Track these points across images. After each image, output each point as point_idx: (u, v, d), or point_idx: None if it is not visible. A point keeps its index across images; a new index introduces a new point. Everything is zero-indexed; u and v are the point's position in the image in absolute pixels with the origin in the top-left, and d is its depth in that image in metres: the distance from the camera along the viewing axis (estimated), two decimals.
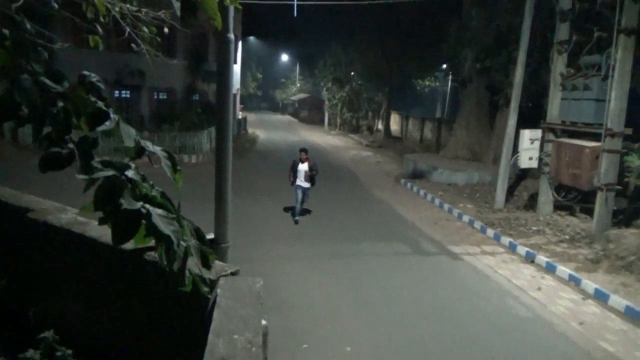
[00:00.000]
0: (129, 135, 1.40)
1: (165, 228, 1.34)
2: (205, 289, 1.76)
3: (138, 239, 1.53)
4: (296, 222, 11.05)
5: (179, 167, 1.55)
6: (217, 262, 3.74)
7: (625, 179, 10.77)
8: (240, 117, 32.20)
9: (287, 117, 54.30)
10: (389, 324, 6.60)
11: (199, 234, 1.54)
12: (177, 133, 19.17)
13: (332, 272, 8.26)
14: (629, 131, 10.33)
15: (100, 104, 1.46)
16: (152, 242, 1.59)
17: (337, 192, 14.80)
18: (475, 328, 6.64)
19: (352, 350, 5.87)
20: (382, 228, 11.28)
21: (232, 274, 3.34)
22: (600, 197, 10.36)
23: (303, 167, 11.15)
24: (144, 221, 1.34)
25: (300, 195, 11.12)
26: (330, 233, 10.63)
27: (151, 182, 1.55)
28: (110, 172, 1.35)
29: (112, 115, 1.44)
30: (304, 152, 11.35)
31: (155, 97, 23.52)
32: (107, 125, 1.40)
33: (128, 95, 22.50)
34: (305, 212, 11.83)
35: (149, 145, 1.47)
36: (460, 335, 6.41)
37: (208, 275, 2.20)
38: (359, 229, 11.02)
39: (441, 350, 6.00)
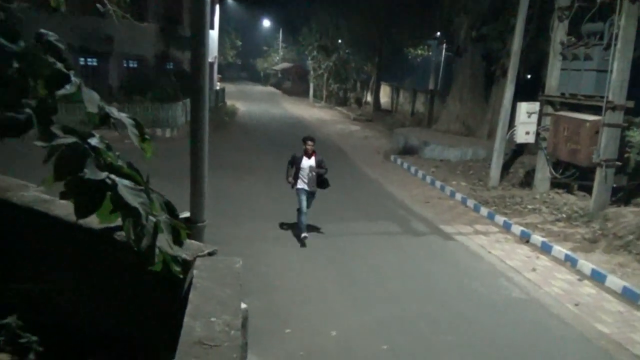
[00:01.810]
0: (92, 100, 1.36)
1: (133, 200, 1.31)
2: (177, 269, 1.75)
3: (104, 215, 1.50)
4: (303, 243, 8.64)
5: (147, 136, 1.52)
6: (193, 242, 3.74)
7: (626, 155, 10.92)
8: (218, 87, 31.78)
9: (269, 88, 53.77)
10: (378, 307, 6.70)
11: (169, 208, 1.52)
12: (150, 104, 18.88)
13: (317, 253, 8.32)
14: (630, 104, 10.45)
15: (59, 65, 1.41)
16: (120, 221, 1.57)
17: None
18: (467, 310, 6.77)
19: (337, 333, 5.96)
20: (370, 207, 11.35)
21: (210, 254, 3.34)
22: (599, 173, 10.53)
23: (308, 163, 8.71)
24: (109, 193, 1.31)
25: (304, 202, 8.73)
26: (316, 212, 10.66)
27: (117, 153, 1.53)
28: (71, 140, 1.32)
29: (73, 79, 1.40)
30: (311, 142, 8.77)
31: (125, 65, 23.06)
32: (68, 89, 1.36)
33: (95, 63, 22.02)
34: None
35: (114, 112, 1.43)
36: (452, 317, 6.54)
37: (181, 253, 2.19)
38: (346, 208, 11.07)
39: (432, 332, 6.12)
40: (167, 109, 18.99)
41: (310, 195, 8.83)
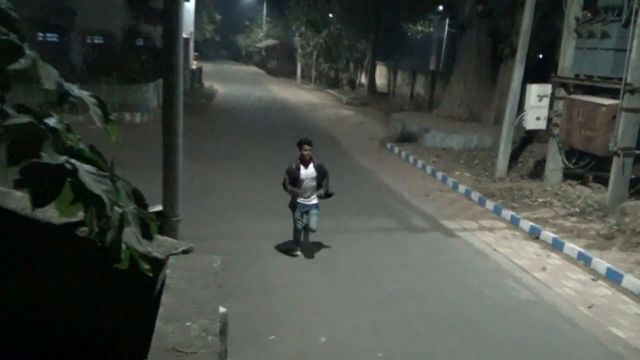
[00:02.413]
0: (50, 76, 1.34)
1: (95, 187, 1.30)
2: (146, 266, 1.74)
3: (64, 206, 1.48)
4: (295, 254, 8.25)
5: (112, 117, 1.50)
6: (166, 238, 3.73)
7: None
8: (194, 67, 31.59)
9: (252, 68, 53.58)
10: (373, 310, 6.73)
11: (137, 197, 1.50)
12: (117, 86, 18.69)
13: (307, 252, 8.33)
14: None
15: (12, 36, 1.39)
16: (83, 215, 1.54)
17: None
18: (471, 313, 6.83)
19: (327, 340, 5.99)
20: (365, 200, 11.38)
21: (184, 252, 3.33)
22: (616, 163, 10.63)
23: (307, 172, 8.03)
24: (69, 180, 1.30)
25: (300, 222, 8.12)
26: None
27: (79, 136, 1.51)
28: (26, 119, 1.30)
29: (27, 52, 1.38)
30: (307, 146, 8.04)
31: (89, 41, 22.82)
32: (22, 63, 1.34)
33: (55, 39, 21.76)
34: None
35: (74, 89, 1.41)
36: (454, 321, 6.59)
37: (152, 250, 2.18)
38: (339, 202, 11.04)
39: (432, 337, 6.18)
40: (136, 90, 18.83)
41: (312, 208, 8.11)
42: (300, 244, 8.28)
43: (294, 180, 7.98)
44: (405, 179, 13.50)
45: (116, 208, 1.34)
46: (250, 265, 7.75)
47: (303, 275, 7.59)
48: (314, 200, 8.13)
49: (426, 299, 7.17)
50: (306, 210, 8.10)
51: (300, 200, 8.04)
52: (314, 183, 8.07)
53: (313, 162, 8.09)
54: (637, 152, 10.76)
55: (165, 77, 5.28)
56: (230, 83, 35.05)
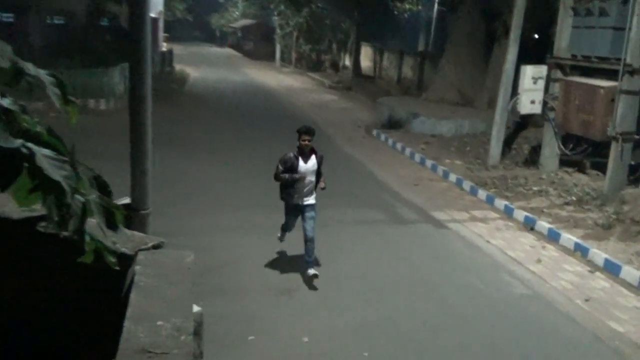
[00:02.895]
0: (2, 52, 1.32)
1: (55, 173, 1.29)
2: (112, 259, 1.73)
3: (22, 195, 1.47)
4: (315, 276, 7.18)
5: (72, 98, 1.48)
6: (135, 233, 3.71)
7: None
8: (164, 49, 31.29)
9: (227, 50, 53.23)
10: (359, 307, 6.77)
11: (100, 185, 1.49)
12: (80, 70, 18.45)
13: (288, 246, 8.32)
14: None
15: None
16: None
17: (293, 147, 14.71)
18: (463, 309, 6.91)
19: (310, 339, 6.01)
20: (350, 191, 11.39)
21: (155, 247, 3.32)
22: (614, 148, 10.76)
23: (307, 166, 7.29)
24: (26, 165, 1.29)
25: (292, 225, 7.64)
26: None
27: (36, 119, 1.49)
28: None
29: None
30: (306, 136, 7.26)
31: (49, 21, 22.46)
32: None
33: (11, 19, 21.38)
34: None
35: (30, 67, 1.39)
36: (445, 318, 6.66)
37: (118, 243, 2.18)
38: (321, 193, 11.05)
39: (422, 335, 6.23)
40: (101, 75, 18.60)
41: (308, 210, 7.34)
42: (309, 259, 7.31)
43: (290, 171, 7.21)
44: (392, 168, 13.55)
45: (78, 196, 1.33)
46: (227, 261, 7.74)
47: (284, 272, 7.59)
48: (311, 199, 7.38)
49: (415, 294, 7.22)
50: (299, 212, 7.37)
51: (295, 197, 7.29)
52: (313, 178, 7.32)
53: (315, 155, 7.37)
54: (636, 136, 10.90)
55: (132, 61, 5.23)
56: (203, 66, 34.78)
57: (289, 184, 7.24)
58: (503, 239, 9.36)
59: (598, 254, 8.53)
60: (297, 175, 7.17)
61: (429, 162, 13.88)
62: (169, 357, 2.23)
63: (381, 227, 9.62)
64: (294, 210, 7.44)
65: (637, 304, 7.34)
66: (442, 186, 12.37)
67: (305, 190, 7.31)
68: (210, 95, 23.92)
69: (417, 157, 14.44)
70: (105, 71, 18.80)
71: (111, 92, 18.67)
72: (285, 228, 7.76)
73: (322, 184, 7.49)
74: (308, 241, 7.29)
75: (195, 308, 3.25)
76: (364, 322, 6.46)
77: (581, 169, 12.44)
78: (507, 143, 14.34)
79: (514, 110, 13.39)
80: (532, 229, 9.83)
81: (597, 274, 8.18)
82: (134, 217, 4.56)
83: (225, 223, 9.15)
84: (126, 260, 3.00)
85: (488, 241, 9.23)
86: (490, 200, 11.24)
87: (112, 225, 1.52)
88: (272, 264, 7.85)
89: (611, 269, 8.21)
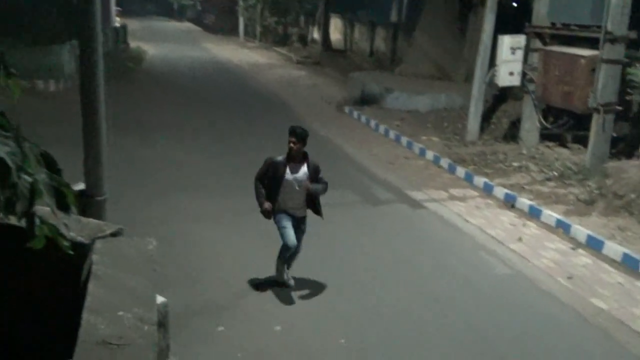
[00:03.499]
0: None
1: None
2: (66, 244, 1.74)
3: None
4: (289, 284, 6.86)
5: (13, 70, 1.47)
6: (91, 220, 3.70)
7: (628, 98, 11.34)
8: (117, 24, 30.70)
9: (187, 25, 52.49)
10: (332, 293, 6.85)
11: (48, 163, 1.48)
12: (25, 48, 18.04)
13: (257, 233, 8.32)
14: (633, 35, 10.74)
15: None
16: None
17: (261, 126, 14.72)
18: (442, 291, 7.04)
19: (283, 328, 6.07)
20: (322, 172, 11.41)
21: (113, 234, 3.32)
22: (596, 120, 10.95)
23: (297, 175, 6.64)
24: None
25: (292, 234, 6.61)
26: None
27: None
28: None
29: None
30: (291, 137, 6.63)
31: None
32: None
33: None
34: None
35: None
36: (424, 301, 6.79)
37: (69, 230, 2.18)
38: None
39: (399, 320, 6.34)
40: (49, 53, 18.22)
41: (299, 222, 6.76)
42: (284, 273, 6.82)
43: (274, 179, 6.60)
44: (366, 146, 13.61)
45: (25, 176, 1.32)
46: (191, 249, 7.72)
47: (252, 260, 7.59)
48: (302, 212, 6.80)
49: (392, 278, 7.33)
50: (292, 222, 6.67)
51: (287, 211, 6.66)
52: (304, 189, 6.65)
53: (308, 162, 6.76)
54: (618, 108, 11.09)
55: (81, 37, 5.17)
56: (161, 43, 34.26)
57: (276, 193, 6.60)
58: (483, 218, 9.52)
59: (580, 230, 8.74)
60: (265, 206, 6.57)
61: (404, 140, 13.97)
62: (132, 349, 2.24)
63: (355, 208, 9.69)
64: (285, 220, 6.64)
65: (620, 280, 7.57)
66: (418, 164, 12.48)
67: (294, 201, 6.66)
68: (169, 74, 23.63)
69: (392, 134, 14.52)
70: (53, 49, 18.41)
71: (60, 72, 18.31)
72: (283, 251, 6.69)
73: (317, 187, 6.79)
74: (296, 253, 6.84)
75: (160, 299, 3.26)
76: (340, 308, 6.54)
77: (562, 143, 12.64)
78: (486, 117, 14.48)
79: (492, 82, 13.51)
80: (512, 207, 10.00)
81: (580, 250, 8.39)
82: (89, 204, 4.54)
83: (186, 210, 9.09)
84: (83, 249, 2.99)
85: (467, 220, 9.38)
86: (469, 178, 11.39)
87: (63, 206, 1.50)
88: (239, 253, 7.86)
89: (594, 245, 8.42)
